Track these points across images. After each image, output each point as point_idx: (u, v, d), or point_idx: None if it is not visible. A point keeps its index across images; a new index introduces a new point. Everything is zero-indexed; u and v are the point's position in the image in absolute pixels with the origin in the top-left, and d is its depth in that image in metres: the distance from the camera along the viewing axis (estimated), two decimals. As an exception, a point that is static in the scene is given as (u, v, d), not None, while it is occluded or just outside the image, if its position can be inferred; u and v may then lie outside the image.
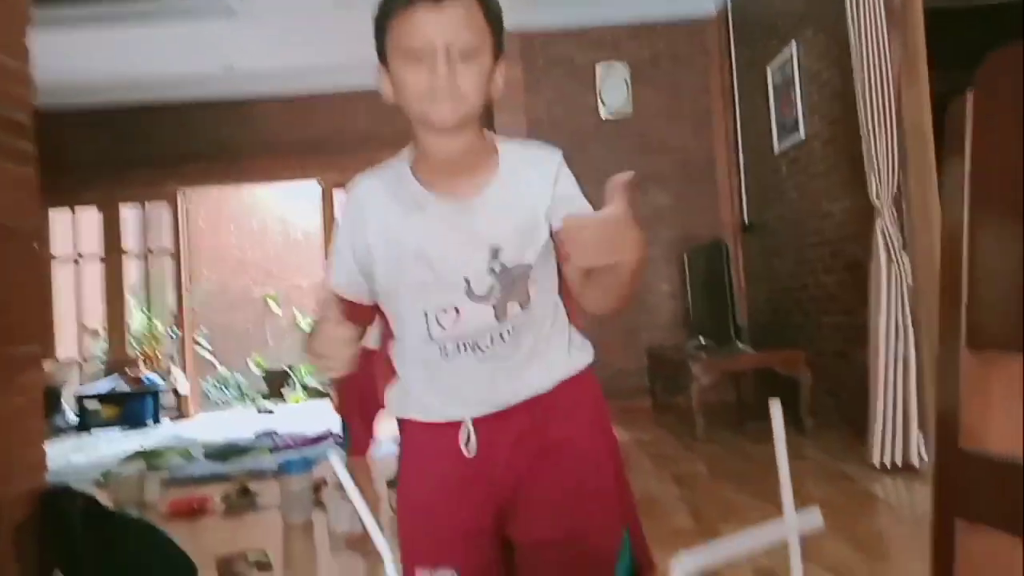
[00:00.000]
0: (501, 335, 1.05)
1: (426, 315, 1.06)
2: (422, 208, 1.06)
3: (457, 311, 1.04)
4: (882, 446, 3.36)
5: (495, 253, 1.04)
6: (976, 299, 0.57)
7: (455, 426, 1.07)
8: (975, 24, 4.00)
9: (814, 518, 0.32)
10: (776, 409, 0.39)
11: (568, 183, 1.09)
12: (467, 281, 1.04)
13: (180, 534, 2.71)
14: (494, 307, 1.04)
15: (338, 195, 7.25)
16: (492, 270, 1.04)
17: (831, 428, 4.20)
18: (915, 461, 3.30)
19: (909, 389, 3.32)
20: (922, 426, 3.30)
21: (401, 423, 1.16)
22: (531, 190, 1.06)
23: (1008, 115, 0.55)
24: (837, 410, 4.25)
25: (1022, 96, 0.54)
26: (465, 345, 1.05)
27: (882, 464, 3.34)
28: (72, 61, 5.95)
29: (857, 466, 3.44)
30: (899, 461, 3.33)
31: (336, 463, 0.46)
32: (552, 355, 1.09)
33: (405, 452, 1.15)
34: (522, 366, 1.06)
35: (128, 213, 7.76)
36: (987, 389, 0.57)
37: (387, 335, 1.16)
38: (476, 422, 1.06)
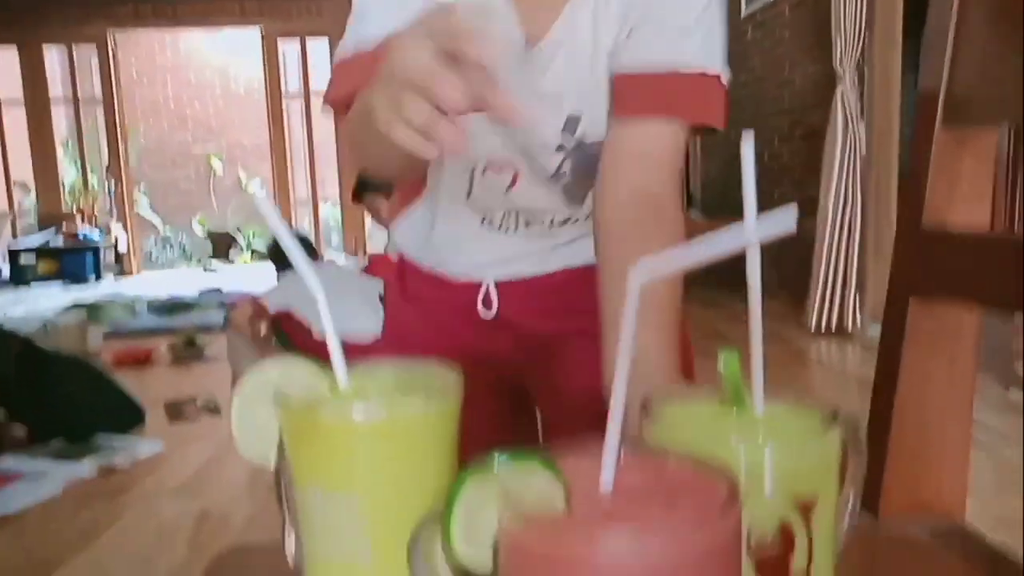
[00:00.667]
0: (564, 221, 0.88)
1: (472, 171, 0.84)
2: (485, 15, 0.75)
3: (515, 179, 0.84)
4: (819, 312, 3.49)
5: (572, 125, 0.80)
6: (957, 75, 0.55)
7: (474, 286, 0.93)
8: None
9: (786, 218, 0.28)
10: (747, 142, 0.36)
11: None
12: (528, 151, 0.82)
13: (126, 382, 2.68)
14: (564, 189, 0.85)
15: (282, 44, 6.81)
16: (562, 146, 0.81)
17: (773, 297, 4.33)
18: (848, 326, 3.44)
19: (851, 257, 3.41)
20: (859, 290, 3.43)
21: (397, 258, 0.98)
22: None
23: None
24: (779, 280, 4.37)
25: None
26: (517, 220, 0.88)
27: (818, 328, 3.49)
28: None
29: (794, 330, 3.58)
30: (834, 326, 3.47)
31: (258, 193, 0.41)
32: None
33: (400, 294, 0.95)
34: (569, 243, 0.92)
35: (52, 57, 7.19)
36: (957, 166, 0.56)
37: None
38: (499, 285, 0.92)
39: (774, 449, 0.36)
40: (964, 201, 0.56)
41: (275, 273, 3.32)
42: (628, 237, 0.72)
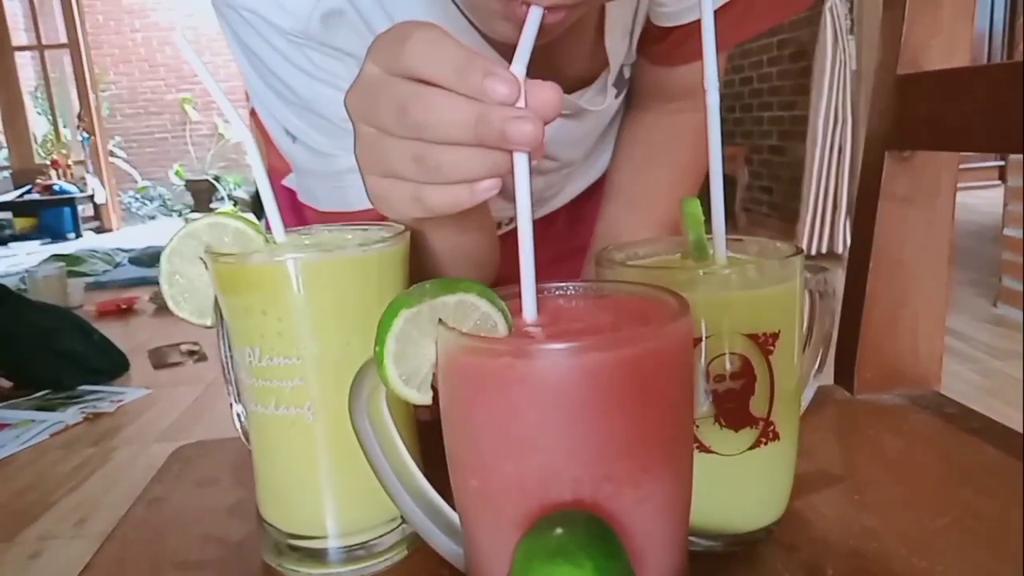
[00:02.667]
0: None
1: None
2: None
3: None
4: (810, 235, 3.46)
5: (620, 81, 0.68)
6: None
7: None
8: None
9: None
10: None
11: None
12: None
13: (110, 332, 2.64)
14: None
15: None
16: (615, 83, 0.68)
17: (763, 223, 4.29)
18: (839, 249, 3.42)
19: (841, 178, 3.36)
20: (850, 213, 3.39)
21: None
22: None
23: None
24: (770, 204, 4.33)
25: None
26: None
27: (808, 252, 3.46)
28: None
29: (784, 255, 3.55)
30: (824, 249, 3.45)
31: (182, 44, 0.36)
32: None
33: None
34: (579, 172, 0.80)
35: (13, 3, 6.90)
36: (937, 2, 0.52)
37: None
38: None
39: (732, 278, 0.35)
40: (943, 43, 0.52)
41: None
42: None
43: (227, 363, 0.40)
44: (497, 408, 0.27)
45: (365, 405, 0.32)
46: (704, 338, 0.34)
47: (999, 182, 4.24)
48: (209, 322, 0.40)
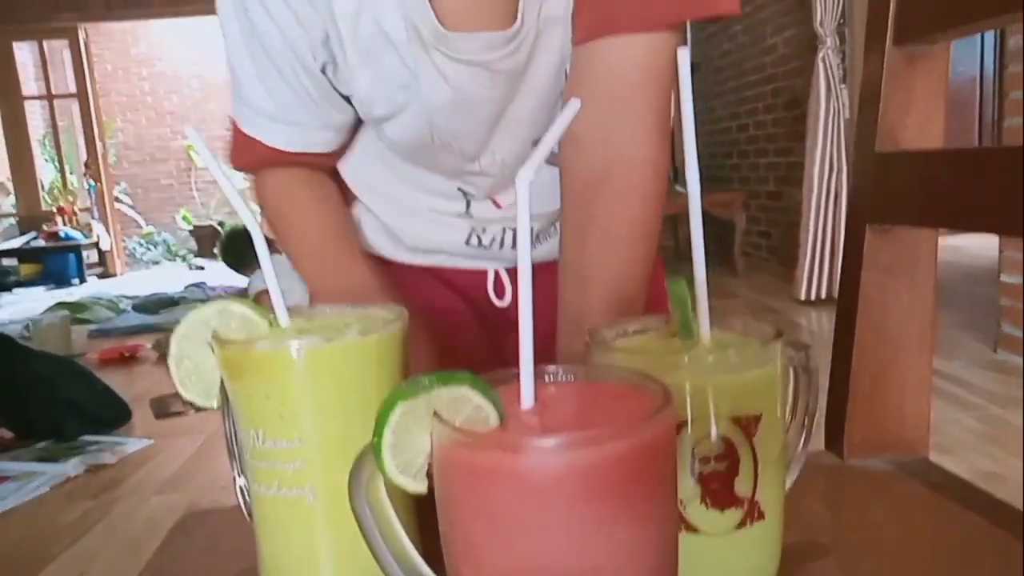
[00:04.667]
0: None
1: (466, 193, 0.75)
2: (427, 50, 0.62)
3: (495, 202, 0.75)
4: (808, 281, 3.48)
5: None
6: None
7: (480, 273, 0.82)
8: None
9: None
10: (683, 55, 0.38)
11: None
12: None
13: (113, 380, 2.65)
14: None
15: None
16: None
17: (762, 268, 4.32)
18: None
19: (838, 222, 3.39)
20: (848, 259, 3.42)
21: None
22: None
23: None
24: (768, 249, 4.36)
25: None
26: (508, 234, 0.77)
27: (807, 298, 3.47)
28: None
29: (785, 301, 3.57)
30: (823, 294, 3.46)
31: (194, 137, 0.38)
32: None
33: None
34: None
35: (24, 53, 7.06)
36: (910, 84, 0.55)
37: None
38: (509, 270, 0.81)
39: (714, 363, 0.36)
40: (917, 121, 0.55)
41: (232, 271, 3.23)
42: (592, 199, 0.62)
43: (231, 440, 0.42)
44: (487, 500, 0.28)
45: (364, 490, 0.33)
46: (689, 421, 0.36)
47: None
48: (215, 404, 0.41)
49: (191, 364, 0.41)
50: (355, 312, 0.43)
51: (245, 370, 0.38)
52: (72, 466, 2.08)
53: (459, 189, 0.76)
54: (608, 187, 0.62)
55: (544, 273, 0.71)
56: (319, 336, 0.37)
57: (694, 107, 0.37)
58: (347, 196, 0.80)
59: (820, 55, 3.27)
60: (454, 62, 0.62)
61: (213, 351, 0.39)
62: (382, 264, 0.80)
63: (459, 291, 0.83)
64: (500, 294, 0.82)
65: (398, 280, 0.77)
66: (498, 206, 0.76)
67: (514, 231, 0.76)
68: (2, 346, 2.48)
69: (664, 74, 0.61)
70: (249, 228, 0.41)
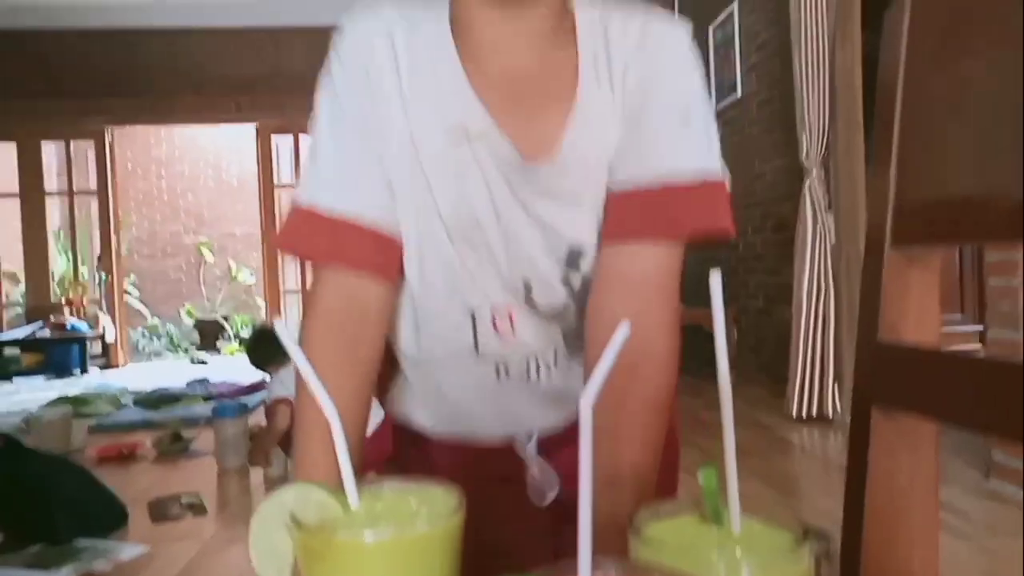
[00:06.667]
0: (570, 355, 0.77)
1: (474, 318, 0.74)
2: (467, 137, 0.66)
3: (511, 318, 0.74)
4: (799, 398, 3.54)
5: (574, 259, 0.71)
6: (902, 197, 0.61)
7: (508, 449, 0.81)
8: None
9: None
10: (715, 279, 0.44)
11: (673, 98, 0.67)
12: (527, 286, 0.72)
13: (110, 479, 2.67)
14: (563, 333, 0.76)
15: (275, 138, 7.05)
16: (567, 281, 0.72)
17: (753, 383, 4.39)
18: (829, 412, 3.49)
19: (827, 344, 3.49)
20: (837, 379, 3.50)
21: (405, 430, 0.86)
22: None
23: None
24: (759, 365, 4.45)
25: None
26: (531, 365, 0.76)
27: (799, 415, 3.53)
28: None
29: (776, 417, 3.62)
30: (814, 412, 3.52)
31: (280, 328, 0.47)
32: None
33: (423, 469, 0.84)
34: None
35: (50, 151, 7.38)
36: (907, 283, 0.60)
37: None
38: (541, 443, 0.80)
39: (750, 569, 0.38)
40: (915, 316, 0.60)
41: (254, 368, 3.30)
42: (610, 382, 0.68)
43: None
44: None
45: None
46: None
47: (980, 345, 4.38)
48: None
49: (268, 545, 0.45)
50: (416, 492, 0.47)
51: (322, 556, 0.42)
52: (64, 574, 2.09)
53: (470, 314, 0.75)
54: (636, 375, 0.66)
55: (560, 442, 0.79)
56: (391, 525, 0.42)
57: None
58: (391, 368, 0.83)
59: (807, 184, 3.47)
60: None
61: (290, 534, 0.43)
62: (412, 448, 0.84)
63: (485, 462, 0.82)
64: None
65: (415, 460, 0.83)
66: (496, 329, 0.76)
67: (537, 359, 0.78)
68: (2, 445, 2.50)
69: (677, 273, 0.70)
70: (329, 419, 0.46)
